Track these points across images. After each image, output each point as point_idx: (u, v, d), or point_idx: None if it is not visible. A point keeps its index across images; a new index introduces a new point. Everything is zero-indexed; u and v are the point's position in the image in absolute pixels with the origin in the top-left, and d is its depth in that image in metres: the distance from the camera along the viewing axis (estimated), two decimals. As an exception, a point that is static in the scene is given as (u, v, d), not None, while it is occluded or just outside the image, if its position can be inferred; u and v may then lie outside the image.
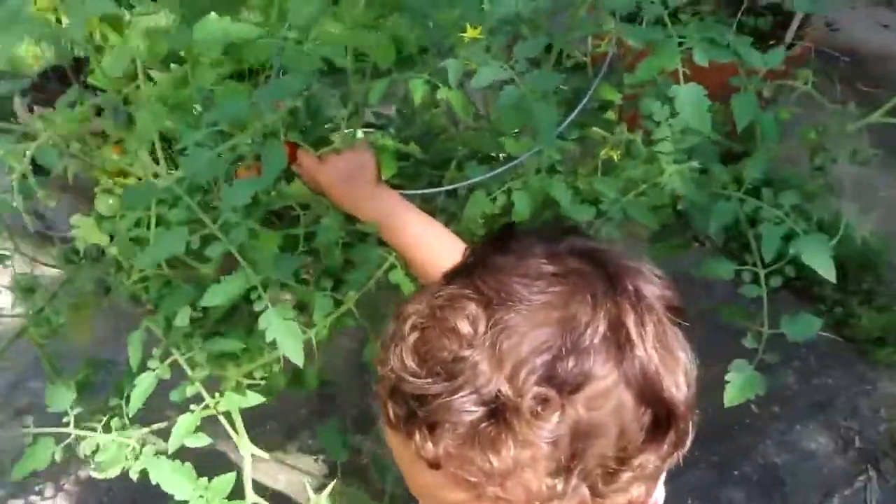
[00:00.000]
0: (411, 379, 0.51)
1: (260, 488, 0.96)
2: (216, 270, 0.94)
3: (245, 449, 0.87)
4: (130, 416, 0.86)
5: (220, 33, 1.12)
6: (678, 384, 0.53)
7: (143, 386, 0.84)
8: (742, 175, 1.03)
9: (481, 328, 0.50)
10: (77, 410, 0.88)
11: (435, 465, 0.52)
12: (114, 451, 0.86)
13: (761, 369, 1.13)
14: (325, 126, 1.05)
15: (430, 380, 0.51)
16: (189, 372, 0.86)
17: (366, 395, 1.75)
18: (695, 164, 0.97)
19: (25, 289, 0.87)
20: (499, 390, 0.49)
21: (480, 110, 1.24)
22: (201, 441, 0.85)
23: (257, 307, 0.79)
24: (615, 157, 1.07)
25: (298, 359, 0.78)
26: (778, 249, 0.97)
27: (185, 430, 0.84)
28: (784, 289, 1.09)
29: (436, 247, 0.96)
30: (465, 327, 0.51)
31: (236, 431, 0.88)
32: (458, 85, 1.07)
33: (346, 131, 1.01)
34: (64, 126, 0.98)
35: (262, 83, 1.18)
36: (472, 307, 0.51)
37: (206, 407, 0.87)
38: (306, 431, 1.74)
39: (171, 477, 0.88)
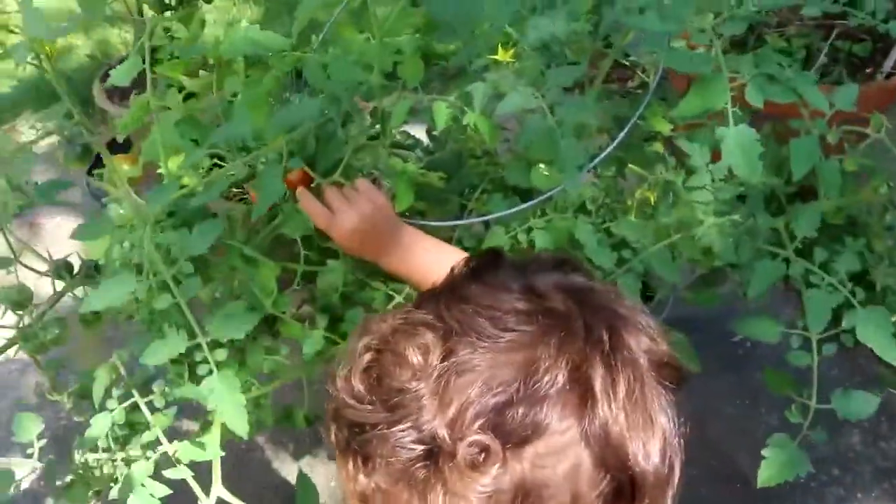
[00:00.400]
0: (354, 403, 0.48)
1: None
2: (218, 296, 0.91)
3: (213, 493, 0.82)
4: (81, 459, 0.82)
5: (248, 42, 1.08)
6: (649, 452, 0.46)
7: (97, 429, 0.81)
8: (793, 230, 0.91)
9: (434, 360, 0.46)
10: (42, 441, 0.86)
11: (363, 498, 0.48)
12: (78, 487, 0.83)
13: (806, 447, 1.01)
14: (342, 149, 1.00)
15: (371, 407, 0.47)
16: (148, 416, 0.83)
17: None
18: (736, 217, 0.85)
19: (15, 302, 0.86)
20: (437, 431, 0.44)
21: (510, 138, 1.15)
22: (159, 491, 0.81)
23: (200, 371, 0.73)
24: (651, 199, 0.97)
25: (242, 430, 0.72)
26: (829, 320, 0.85)
27: (137, 479, 0.81)
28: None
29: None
30: (415, 357, 0.46)
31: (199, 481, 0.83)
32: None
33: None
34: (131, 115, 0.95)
35: (287, 97, 1.14)
36: (429, 336, 0.47)
37: (165, 454, 0.83)
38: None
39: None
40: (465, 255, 0.88)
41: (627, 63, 1.44)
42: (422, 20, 1.08)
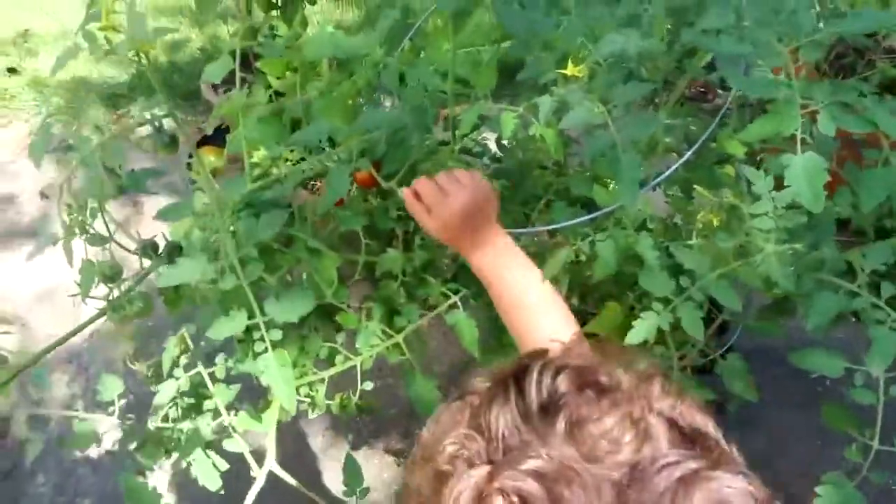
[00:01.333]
0: None
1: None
2: (279, 282, 0.97)
3: (266, 466, 0.88)
4: (153, 423, 0.89)
5: (330, 45, 1.14)
6: None
7: (164, 395, 0.88)
8: (862, 263, 0.88)
9: None
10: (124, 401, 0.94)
11: None
12: (150, 447, 0.91)
13: (864, 489, 0.97)
14: (413, 153, 1.04)
15: None
16: (210, 386, 0.89)
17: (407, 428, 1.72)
18: (798, 246, 0.84)
19: (107, 275, 0.94)
20: None
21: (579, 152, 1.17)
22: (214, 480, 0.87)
23: (257, 348, 0.79)
24: (714, 223, 0.96)
25: (291, 406, 0.77)
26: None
27: (196, 443, 0.87)
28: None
29: (540, 320, 0.85)
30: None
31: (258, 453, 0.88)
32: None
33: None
34: (217, 111, 1.03)
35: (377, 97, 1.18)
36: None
37: (224, 428, 0.89)
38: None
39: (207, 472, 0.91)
40: (548, 289, 0.86)
41: (708, 85, 1.42)
42: (498, 33, 1.11)
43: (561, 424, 0.48)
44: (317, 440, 1.72)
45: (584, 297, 1.18)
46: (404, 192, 0.86)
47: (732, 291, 0.87)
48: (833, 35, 0.91)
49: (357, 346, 0.91)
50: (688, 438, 0.50)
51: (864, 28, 0.94)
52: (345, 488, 0.94)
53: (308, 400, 0.95)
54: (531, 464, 0.45)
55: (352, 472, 0.93)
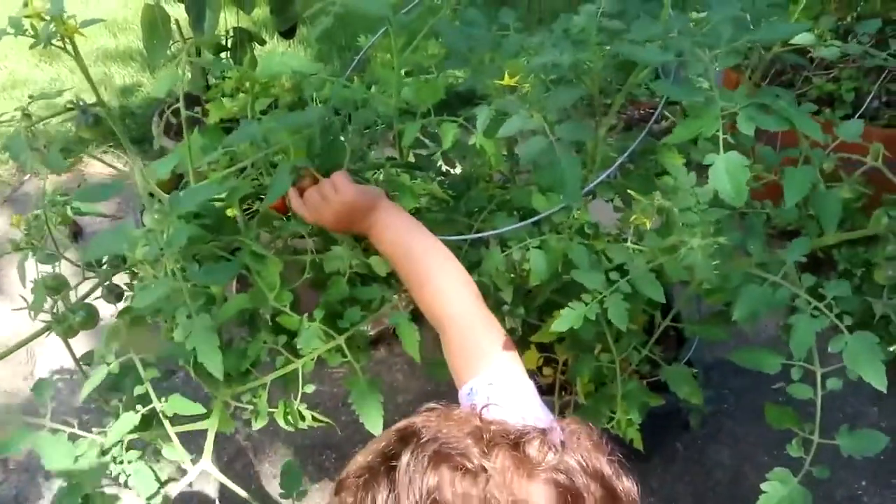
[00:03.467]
0: None
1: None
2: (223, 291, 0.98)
3: (180, 455, 0.88)
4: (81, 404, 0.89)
5: (281, 65, 1.17)
6: None
7: (96, 378, 0.88)
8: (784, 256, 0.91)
9: None
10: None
11: None
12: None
13: (809, 484, 0.98)
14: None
15: None
16: (141, 372, 0.90)
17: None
18: (722, 240, 0.87)
19: (50, 287, 0.95)
20: None
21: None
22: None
23: (178, 316, 0.79)
24: (647, 225, 0.99)
25: (216, 370, 0.77)
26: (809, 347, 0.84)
27: (123, 429, 0.87)
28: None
29: (446, 284, 0.93)
30: None
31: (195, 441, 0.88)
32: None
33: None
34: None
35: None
36: None
37: (152, 408, 0.89)
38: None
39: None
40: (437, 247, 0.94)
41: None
42: (441, 52, 1.15)
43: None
44: (261, 447, 1.71)
45: (530, 309, 1.20)
46: (290, 192, 0.94)
47: (658, 284, 0.90)
48: (749, 43, 0.96)
49: (298, 347, 0.92)
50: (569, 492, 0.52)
51: (776, 37, 0.99)
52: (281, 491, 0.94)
53: (251, 407, 0.95)
54: None
55: (290, 476, 0.93)
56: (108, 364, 0.89)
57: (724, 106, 0.90)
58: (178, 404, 0.88)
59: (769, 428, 1.81)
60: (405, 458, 0.52)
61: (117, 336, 0.92)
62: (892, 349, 0.87)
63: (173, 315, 0.89)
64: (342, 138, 1.00)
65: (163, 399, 0.90)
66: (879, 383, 0.83)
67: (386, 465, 0.53)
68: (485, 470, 0.51)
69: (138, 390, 0.90)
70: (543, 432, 0.55)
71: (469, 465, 0.51)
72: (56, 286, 0.96)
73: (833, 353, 0.87)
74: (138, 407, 0.90)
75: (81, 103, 0.84)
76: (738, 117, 0.90)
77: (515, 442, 0.54)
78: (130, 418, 0.88)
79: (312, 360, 0.93)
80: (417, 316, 1.01)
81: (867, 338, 0.83)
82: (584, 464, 0.53)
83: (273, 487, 1.61)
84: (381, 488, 0.52)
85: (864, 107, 1.57)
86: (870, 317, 0.91)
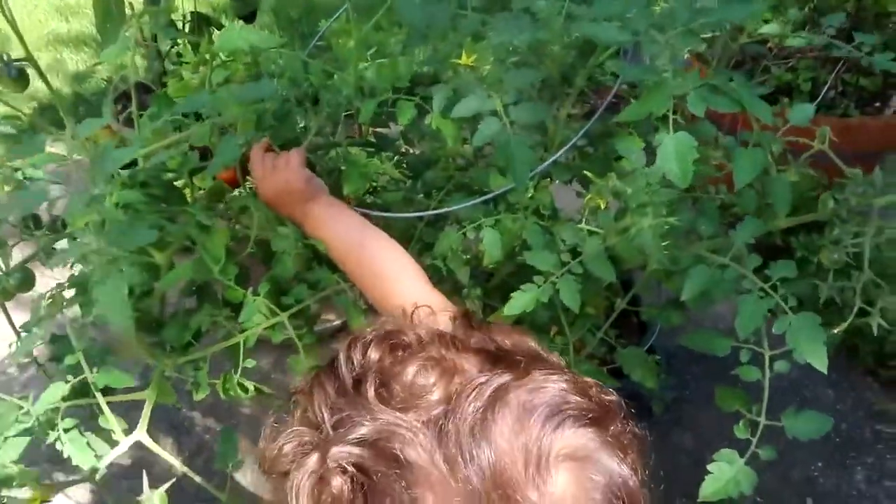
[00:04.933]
0: None
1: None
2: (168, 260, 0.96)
3: (112, 425, 0.86)
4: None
5: (240, 39, 1.16)
6: None
7: (25, 345, 0.86)
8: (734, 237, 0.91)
9: None
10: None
11: None
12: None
13: (754, 464, 0.98)
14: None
15: None
16: (74, 342, 0.88)
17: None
18: (672, 220, 0.86)
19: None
20: None
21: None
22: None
23: (92, 276, 0.76)
24: (601, 206, 0.99)
25: (124, 321, 0.74)
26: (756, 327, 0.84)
27: (51, 398, 0.85)
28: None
29: (396, 274, 0.90)
30: None
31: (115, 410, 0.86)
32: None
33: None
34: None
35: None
36: None
37: (84, 380, 0.87)
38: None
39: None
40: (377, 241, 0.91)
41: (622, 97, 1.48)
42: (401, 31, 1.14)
43: (370, 390, 0.48)
44: (196, 419, 1.68)
45: (487, 291, 1.19)
46: (253, 151, 0.93)
47: (609, 264, 0.89)
48: (706, 25, 0.96)
49: (240, 320, 0.90)
50: (498, 359, 0.51)
51: (731, 17, 0.99)
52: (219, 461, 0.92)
53: (191, 379, 0.94)
54: (354, 434, 0.46)
55: (227, 443, 0.92)
56: (38, 333, 0.86)
57: (675, 86, 0.90)
58: (108, 377, 0.86)
59: (728, 414, 1.83)
60: (343, 346, 0.53)
61: (57, 304, 0.90)
62: (836, 331, 0.87)
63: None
64: (297, 115, 0.98)
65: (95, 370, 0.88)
66: (820, 364, 0.83)
67: (331, 360, 0.53)
68: (420, 338, 0.53)
69: (69, 360, 0.87)
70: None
71: (405, 340, 0.53)
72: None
73: (777, 334, 0.86)
74: (69, 378, 0.87)
75: (4, 56, 0.81)
76: (689, 97, 0.90)
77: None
78: (59, 387, 0.86)
79: (254, 334, 0.92)
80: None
81: (810, 318, 0.83)
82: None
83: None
84: (327, 375, 0.52)
85: (820, 96, 1.58)
86: (819, 301, 0.91)
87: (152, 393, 0.90)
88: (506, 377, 0.48)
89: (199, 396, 0.93)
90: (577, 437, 0.47)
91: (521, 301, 0.88)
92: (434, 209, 1.09)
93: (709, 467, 0.99)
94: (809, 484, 1.65)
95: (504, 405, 0.46)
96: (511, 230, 1.00)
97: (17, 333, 1.00)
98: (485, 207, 1.05)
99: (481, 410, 0.46)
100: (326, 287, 0.97)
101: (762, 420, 0.97)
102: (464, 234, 1.02)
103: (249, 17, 1.73)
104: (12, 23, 0.79)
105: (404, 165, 1.18)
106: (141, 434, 0.87)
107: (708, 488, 0.98)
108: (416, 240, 1.09)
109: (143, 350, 0.91)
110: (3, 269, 0.92)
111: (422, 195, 1.14)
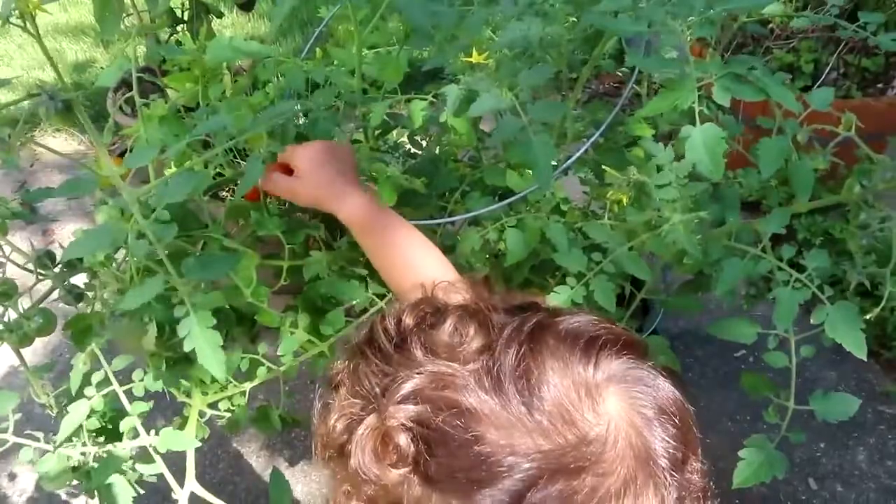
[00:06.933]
0: None
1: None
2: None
3: (187, 487, 0.83)
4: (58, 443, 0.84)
5: (230, 50, 1.11)
6: None
7: (75, 416, 0.83)
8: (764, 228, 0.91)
9: None
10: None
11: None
12: (55, 462, 0.85)
13: (785, 449, 1.00)
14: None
15: None
16: (127, 406, 0.85)
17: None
18: (703, 214, 0.86)
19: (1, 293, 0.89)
20: None
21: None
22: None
23: (177, 313, 0.74)
24: (624, 201, 0.98)
25: (219, 373, 0.72)
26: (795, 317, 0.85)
27: (113, 467, 0.82)
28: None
29: (419, 261, 0.89)
30: None
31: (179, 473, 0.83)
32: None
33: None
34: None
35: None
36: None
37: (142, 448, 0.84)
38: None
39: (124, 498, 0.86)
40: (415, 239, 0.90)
41: (623, 81, 1.47)
42: (405, 30, 1.11)
43: (417, 349, 0.50)
44: (252, 461, 1.66)
45: (508, 288, 1.18)
46: (264, 180, 0.89)
47: (643, 262, 0.89)
48: (724, 12, 0.94)
49: (279, 353, 0.87)
50: (524, 308, 0.54)
51: (751, 6, 0.98)
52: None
53: (229, 415, 0.91)
54: (406, 388, 0.48)
55: (278, 487, 0.90)
56: (90, 398, 0.83)
57: (698, 77, 0.89)
58: (168, 440, 0.82)
59: (731, 395, 1.86)
60: (377, 318, 0.55)
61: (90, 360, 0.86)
62: (869, 317, 0.88)
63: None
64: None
65: (151, 432, 0.85)
66: (860, 352, 0.84)
67: (367, 334, 0.55)
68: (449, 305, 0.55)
69: (126, 425, 0.83)
70: None
71: (437, 304, 0.55)
72: (4, 291, 0.89)
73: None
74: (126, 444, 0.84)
75: (47, 88, 0.77)
76: (713, 88, 0.89)
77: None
78: (121, 455, 0.82)
79: (294, 368, 0.89)
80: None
81: (848, 308, 0.84)
82: None
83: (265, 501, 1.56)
84: (366, 349, 0.53)
85: (822, 78, 1.59)
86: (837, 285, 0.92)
87: (190, 437, 0.86)
88: (537, 316, 0.51)
89: (234, 432, 0.91)
90: (618, 360, 0.50)
91: (556, 302, 0.87)
92: (453, 211, 1.07)
93: (740, 453, 1.00)
94: (812, 464, 1.69)
95: (543, 340, 0.49)
96: (533, 229, 0.99)
97: (31, 377, 0.96)
98: (504, 206, 1.03)
99: (524, 348, 0.48)
100: (362, 310, 0.95)
101: (791, 405, 0.99)
102: (485, 234, 1.00)
103: (248, 5, 1.68)
104: (44, 49, 0.75)
105: (412, 168, 1.16)
106: (192, 484, 0.83)
107: (741, 474, 1.00)
108: (437, 243, 1.07)
109: (174, 389, 0.88)
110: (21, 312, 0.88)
111: (435, 197, 1.12)
